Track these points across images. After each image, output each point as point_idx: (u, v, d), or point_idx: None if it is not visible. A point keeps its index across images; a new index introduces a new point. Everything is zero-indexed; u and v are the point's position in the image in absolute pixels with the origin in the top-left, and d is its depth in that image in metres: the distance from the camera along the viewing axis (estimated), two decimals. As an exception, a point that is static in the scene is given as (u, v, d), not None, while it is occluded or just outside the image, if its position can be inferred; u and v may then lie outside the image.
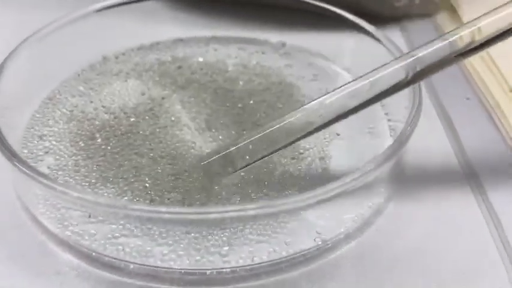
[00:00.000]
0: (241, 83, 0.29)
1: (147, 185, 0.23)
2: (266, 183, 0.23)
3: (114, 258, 0.20)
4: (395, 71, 0.22)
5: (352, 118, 0.27)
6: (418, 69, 0.22)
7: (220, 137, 0.26)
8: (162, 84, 0.29)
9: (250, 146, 0.22)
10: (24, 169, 0.20)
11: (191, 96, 0.28)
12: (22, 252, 0.21)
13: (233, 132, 0.26)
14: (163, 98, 0.28)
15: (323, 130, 0.25)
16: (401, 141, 0.21)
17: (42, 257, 0.21)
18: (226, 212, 0.19)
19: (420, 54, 0.22)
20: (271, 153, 0.22)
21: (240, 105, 0.28)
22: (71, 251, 0.21)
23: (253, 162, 0.22)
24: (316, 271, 0.20)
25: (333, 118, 0.22)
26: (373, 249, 0.21)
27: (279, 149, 0.22)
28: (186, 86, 0.29)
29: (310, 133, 0.22)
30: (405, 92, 0.25)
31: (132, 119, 0.27)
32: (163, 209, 0.19)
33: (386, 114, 0.28)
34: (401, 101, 0.26)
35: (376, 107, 0.28)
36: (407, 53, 0.22)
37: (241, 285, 0.20)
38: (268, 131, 0.22)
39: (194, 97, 0.28)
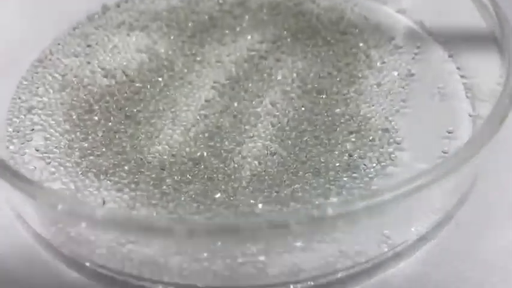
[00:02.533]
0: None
1: (157, 175, 0.18)
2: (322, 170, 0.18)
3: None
4: None
5: (417, 76, 0.22)
6: None
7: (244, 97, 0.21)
8: (171, 35, 0.24)
9: None
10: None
11: (205, 45, 0.23)
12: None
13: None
14: (173, 52, 0.23)
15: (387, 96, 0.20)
16: (486, 132, 0.15)
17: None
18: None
19: None
20: None
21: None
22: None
23: None
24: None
25: None
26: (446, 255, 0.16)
27: None
28: (199, 33, 0.24)
29: None
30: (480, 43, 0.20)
31: (137, 84, 0.21)
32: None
33: (458, 68, 0.22)
34: (474, 51, 0.20)
35: (445, 58, 0.22)
36: None
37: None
38: None
39: (209, 45, 0.23)
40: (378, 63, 0.22)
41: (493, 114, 0.15)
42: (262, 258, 0.15)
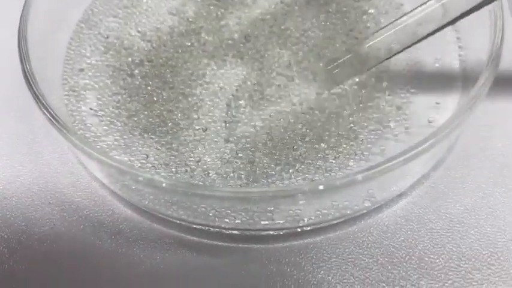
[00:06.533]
0: None
1: (191, 137, 0.22)
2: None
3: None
4: None
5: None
6: None
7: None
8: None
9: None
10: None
11: (229, 6, 0.26)
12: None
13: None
14: (200, 15, 0.26)
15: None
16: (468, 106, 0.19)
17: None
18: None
19: None
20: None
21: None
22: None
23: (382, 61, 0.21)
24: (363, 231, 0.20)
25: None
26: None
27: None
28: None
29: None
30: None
31: (170, 50, 0.25)
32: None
33: (458, 38, 0.24)
34: (476, 22, 0.22)
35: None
36: None
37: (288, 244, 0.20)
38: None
39: (232, 7, 0.25)
40: (385, 31, 0.24)
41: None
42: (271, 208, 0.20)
